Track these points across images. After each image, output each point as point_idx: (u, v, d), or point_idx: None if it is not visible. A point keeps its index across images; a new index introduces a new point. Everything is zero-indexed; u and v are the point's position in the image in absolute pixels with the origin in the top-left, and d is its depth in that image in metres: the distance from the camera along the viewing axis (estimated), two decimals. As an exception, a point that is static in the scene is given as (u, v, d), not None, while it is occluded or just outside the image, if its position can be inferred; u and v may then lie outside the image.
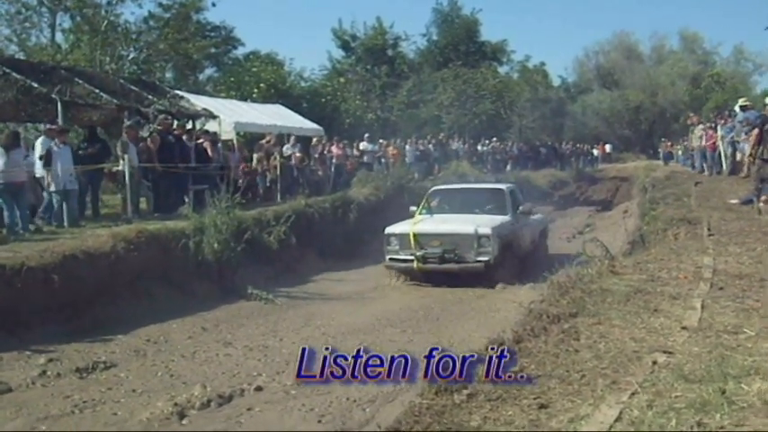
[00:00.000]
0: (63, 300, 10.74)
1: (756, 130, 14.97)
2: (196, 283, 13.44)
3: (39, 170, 14.90)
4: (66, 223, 14.32)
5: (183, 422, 7.14)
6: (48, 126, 15.56)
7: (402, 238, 14.91)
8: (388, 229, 15.27)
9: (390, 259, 15.09)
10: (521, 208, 16.38)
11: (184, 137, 18.48)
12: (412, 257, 14.64)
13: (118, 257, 12.14)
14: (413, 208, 16.47)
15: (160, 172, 16.48)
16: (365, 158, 27.75)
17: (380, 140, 31.51)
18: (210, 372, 8.92)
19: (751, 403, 4.01)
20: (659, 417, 3.92)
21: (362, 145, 28.59)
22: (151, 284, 12.64)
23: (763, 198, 13.85)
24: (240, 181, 18.03)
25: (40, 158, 14.52)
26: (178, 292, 13.01)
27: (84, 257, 11.61)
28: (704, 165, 24.65)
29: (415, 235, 14.76)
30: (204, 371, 8.97)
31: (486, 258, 14.36)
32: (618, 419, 3.97)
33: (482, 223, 14.84)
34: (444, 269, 14.52)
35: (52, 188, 14.54)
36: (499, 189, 17.18)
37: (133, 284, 12.26)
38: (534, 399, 4.58)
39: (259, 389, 8.12)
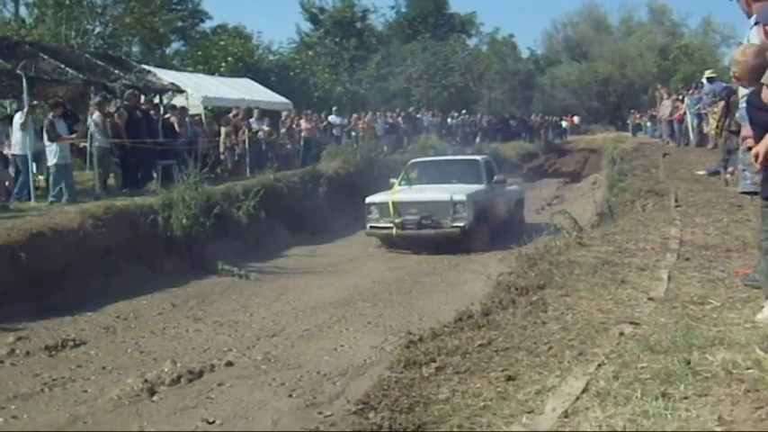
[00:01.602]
0: (31, 277, 10.63)
1: (722, 102, 15.11)
2: (165, 259, 13.37)
3: (16, 148, 14.87)
4: (65, 198, 14.26)
5: (154, 398, 7.14)
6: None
7: (381, 206, 15.62)
8: (369, 199, 15.97)
9: (371, 227, 15.84)
10: (495, 178, 16.98)
11: (152, 112, 18.32)
12: (391, 225, 15.29)
13: (86, 234, 12.05)
14: (392, 180, 17.24)
15: (128, 148, 16.31)
16: (334, 132, 27.62)
17: (353, 115, 31.40)
18: (180, 348, 8.91)
19: (715, 373, 4.06)
20: (625, 387, 3.96)
21: (331, 118, 28.43)
22: (120, 261, 12.56)
23: (729, 170, 13.97)
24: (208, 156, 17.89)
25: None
26: (147, 268, 12.95)
27: (51, 234, 11.50)
28: (671, 136, 24.82)
29: (393, 203, 15.43)
30: (174, 347, 8.96)
31: (461, 224, 15.07)
32: (584, 391, 4.01)
33: (457, 191, 15.56)
34: (422, 235, 15.23)
35: (53, 161, 14.46)
36: (474, 160, 18.12)
37: (102, 261, 12.17)
38: (502, 371, 4.61)
39: (229, 364, 8.13)
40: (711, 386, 3.90)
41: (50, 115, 14.88)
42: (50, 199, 14.23)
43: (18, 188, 14.84)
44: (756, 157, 4.61)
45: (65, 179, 14.56)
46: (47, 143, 14.49)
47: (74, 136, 15.44)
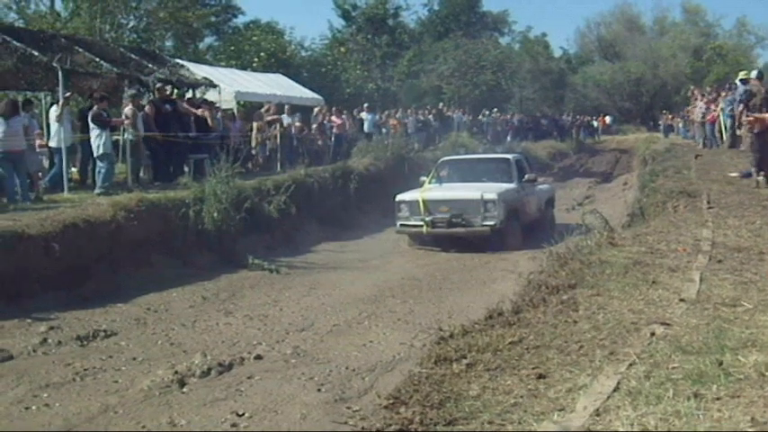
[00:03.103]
0: (64, 268, 10.78)
1: (741, 106, 15.03)
2: (196, 253, 13.49)
3: (53, 140, 15.13)
4: (107, 186, 14.58)
5: (184, 390, 7.18)
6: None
7: (412, 204, 15.58)
8: (399, 197, 15.93)
9: (401, 225, 15.81)
10: (526, 176, 16.84)
11: (184, 104, 18.44)
12: (422, 223, 15.24)
13: (118, 226, 12.18)
14: (423, 178, 17.11)
15: (160, 141, 16.45)
16: (365, 128, 27.65)
17: (385, 112, 31.41)
18: (211, 340, 8.96)
19: (747, 375, 4.03)
20: (656, 387, 3.94)
21: (363, 115, 28.46)
22: (151, 253, 12.70)
23: (762, 172, 13.83)
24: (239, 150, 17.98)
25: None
26: (178, 261, 13.07)
27: (84, 226, 11.64)
28: (704, 138, 24.61)
29: (424, 201, 15.39)
30: (204, 339, 9.02)
31: (492, 223, 15.02)
32: (616, 390, 3.99)
33: (488, 189, 15.50)
34: (452, 233, 15.22)
35: (101, 151, 14.71)
36: (505, 158, 17.86)
37: (133, 253, 12.30)
38: (533, 369, 4.61)
39: (259, 357, 8.15)
40: (744, 387, 3.87)
41: (95, 108, 15.05)
42: (98, 191, 14.34)
43: (50, 178, 15.00)
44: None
45: (112, 170, 14.78)
46: (94, 133, 14.64)
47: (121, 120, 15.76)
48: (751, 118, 12.78)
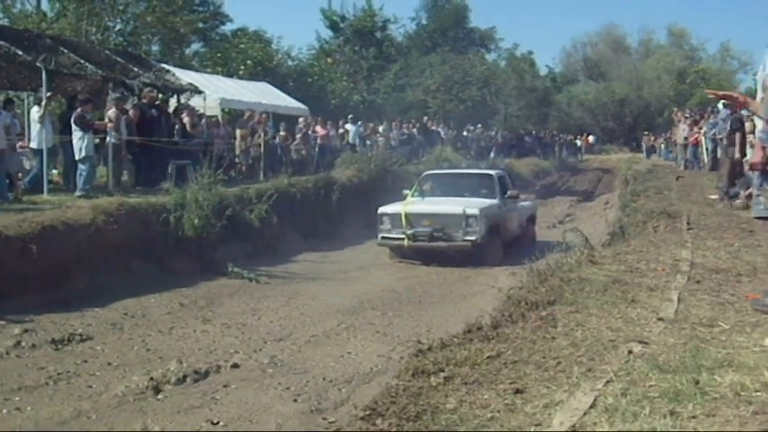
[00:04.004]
0: (40, 270, 10.67)
1: (738, 134, 15.15)
2: (175, 259, 13.40)
3: (34, 141, 15.01)
4: (87, 188, 14.41)
5: (159, 397, 7.13)
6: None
7: (394, 217, 15.55)
8: (381, 209, 15.93)
9: (383, 237, 15.76)
10: (508, 193, 16.93)
11: (170, 110, 18.39)
12: (403, 236, 15.23)
13: (98, 230, 12.09)
14: (405, 191, 17.07)
15: (141, 145, 16.37)
16: (350, 140, 27.65)
17: (369, 124, 31.43)
18: (187, 347, 8.90)
19: (723, 394, 4.06)
20: (633, 405, 3.95)
21: (347, 126, 28.46)
22: (130, 258, 12.60)
23: (745, 193, 13.95)
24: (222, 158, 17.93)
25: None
26: (157, 266, 12.98)
27: (63, 228, 11.54)
28: (686, 160, 24.81)
29: (406, 215, 15.38)
30: (181, 346, 8.96)
31: (473, 238, 14.99)
32: (592, 406, 4.00)
33: (470, 205, 15.49)
34: (433, 247, 15.18)
35: (83, 154, 14.57)
36: (488, 174, 17.98)
37: (112, 257, 12.21)
38: (510, 384, 4.61)
39: (235, 366, 8.11)
40: (720, 406, 3.89)
41: (79, 109, 14.90)
42: (79, 193, 14.21)
43: (29, 179, 14.87)
44: None
45: (92, 169, 14.69)
46: (76, 135, 14.54)
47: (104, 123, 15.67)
48: None
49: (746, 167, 13.69)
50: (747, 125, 15.00)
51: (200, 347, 8.90)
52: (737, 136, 15.22)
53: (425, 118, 38.56)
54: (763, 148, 6.78)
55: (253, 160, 21.32)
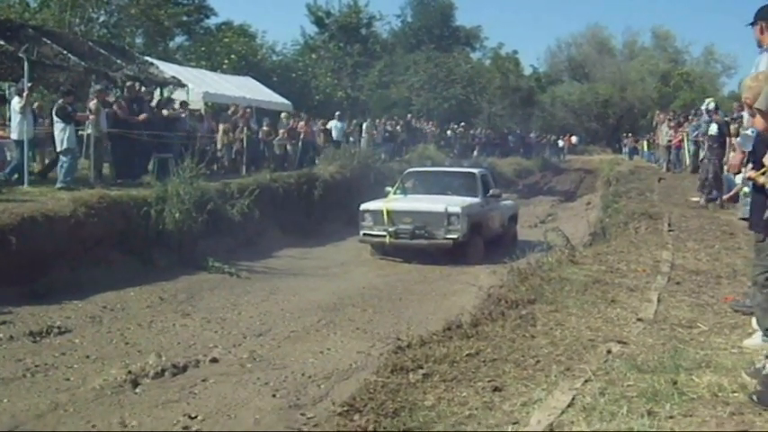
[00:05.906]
0: (19, 262, 10.56)
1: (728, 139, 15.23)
2: (156, 253, 13.32)
3: (15, 132, 14.87)
4: (68, 180, 14.27)
5: (137, 390, 7.09)
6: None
7: (376, 214, 15.52)
8: (363, 206, 15.89)
9: (364, 234, 15.70)
10: (491, 192, 16.95)
11: (152, 103, 18.28)
12: (384, 233, 15.20)
13: (78, 222, 11.99)
14: (388, 188, 17.13)
15: (124, 138, 16.27)
16: (333, 136, 27.58)
17: (353, 120, 31.39)
18: (166, 341, 8.86)
19: (701, 395, 4.08)
20: (611, 404, 3.97)
21: (332, 123, 28.36)
22: (110, 251, 12.51)
23: (725, 197, 14.04)
24: (205, 152, 17.86)
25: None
26: (137, 260, 12.89)
27: (43, 220, 11.44)
28: (668, 162, 24.93)
29: (388, 212, 15.36)
30: (160, 340, 8.92)
31: (454, 236, 14.97)
32: (570, 405, 4.01)
33: (452, 203, 15.48)
34: (415, 245, 15.15)
35: (65, 145, 14.46)
36: (471, 173, 17.99)
37: (92, 250, 12.12)
38: (489, 381, 4.62)
39: (214, 360, 8.08)
40: (697, 407, 3.91)
41: (60, 101, 14.80)
42: (60, 185, 14.10)
43: (9, 171, 14.75)
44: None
45: (74, 161, 14.59)
46: (58, 127, 14.44)
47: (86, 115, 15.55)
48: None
49: (725, 169, 13.81)
50: (732, 127, 15.05)
51: (179, 341, 8.86)
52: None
53: (409, 115, 38.56)
54: (743, 152, 6.83)
55: (235, 155, 21.23)
